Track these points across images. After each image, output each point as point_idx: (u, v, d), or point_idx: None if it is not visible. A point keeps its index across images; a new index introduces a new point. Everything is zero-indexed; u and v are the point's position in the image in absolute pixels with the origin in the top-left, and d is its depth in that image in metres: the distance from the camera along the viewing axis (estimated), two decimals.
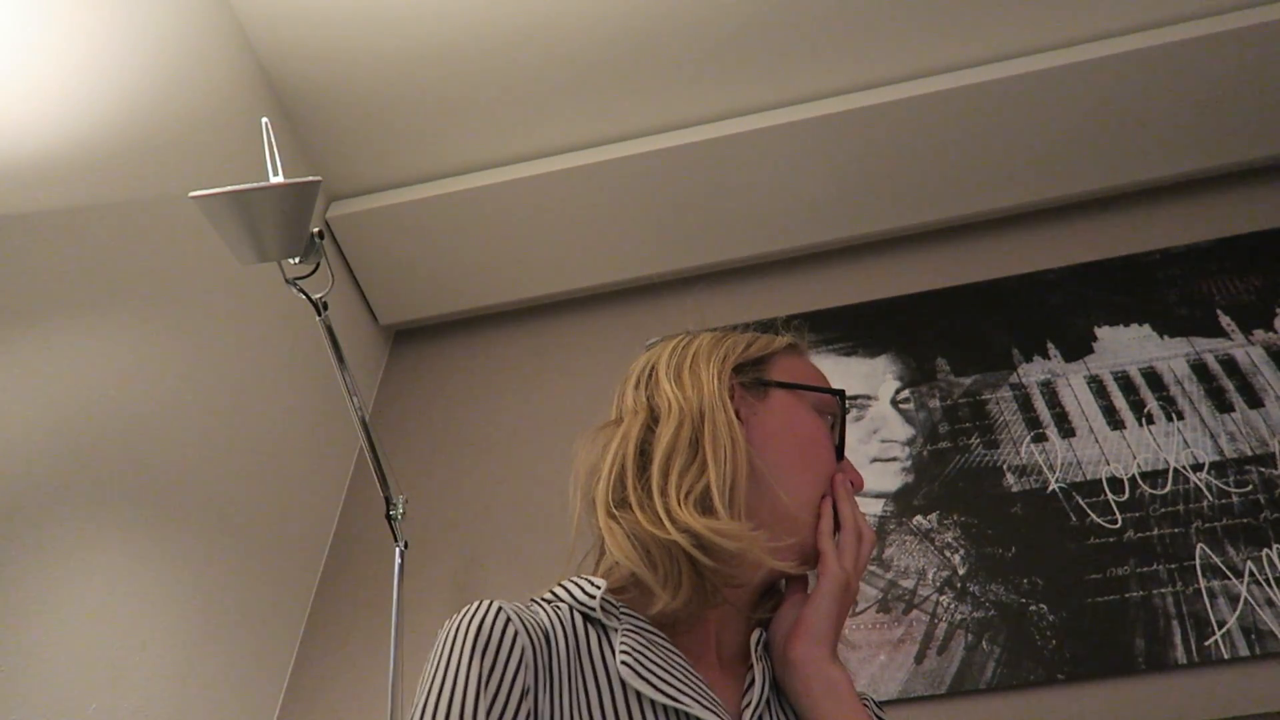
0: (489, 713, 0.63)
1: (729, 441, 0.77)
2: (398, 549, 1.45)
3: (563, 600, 0.76)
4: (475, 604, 0.69)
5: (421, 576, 1.68)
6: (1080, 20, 1.78)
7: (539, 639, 0.69)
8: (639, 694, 0.69)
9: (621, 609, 0.74)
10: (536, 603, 0.76)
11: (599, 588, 0.75)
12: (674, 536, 0.71)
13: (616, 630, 0.72)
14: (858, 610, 1.44)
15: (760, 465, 0.78)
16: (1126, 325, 1.71)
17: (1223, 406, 1.54)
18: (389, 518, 1.45)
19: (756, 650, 0.78)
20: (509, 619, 0.68)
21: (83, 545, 1.23)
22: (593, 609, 0.73)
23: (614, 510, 0.76)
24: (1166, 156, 1.86)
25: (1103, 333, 1.71)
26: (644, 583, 0.73)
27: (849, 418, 1.66)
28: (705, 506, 0.73)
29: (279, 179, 1.19)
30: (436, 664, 0.66)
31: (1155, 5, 1.77)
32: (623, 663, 0.69)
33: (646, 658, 0.70)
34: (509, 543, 1.71)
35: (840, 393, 0.87)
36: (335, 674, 1.59)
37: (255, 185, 1.16)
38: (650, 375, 0.86)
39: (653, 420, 0.81)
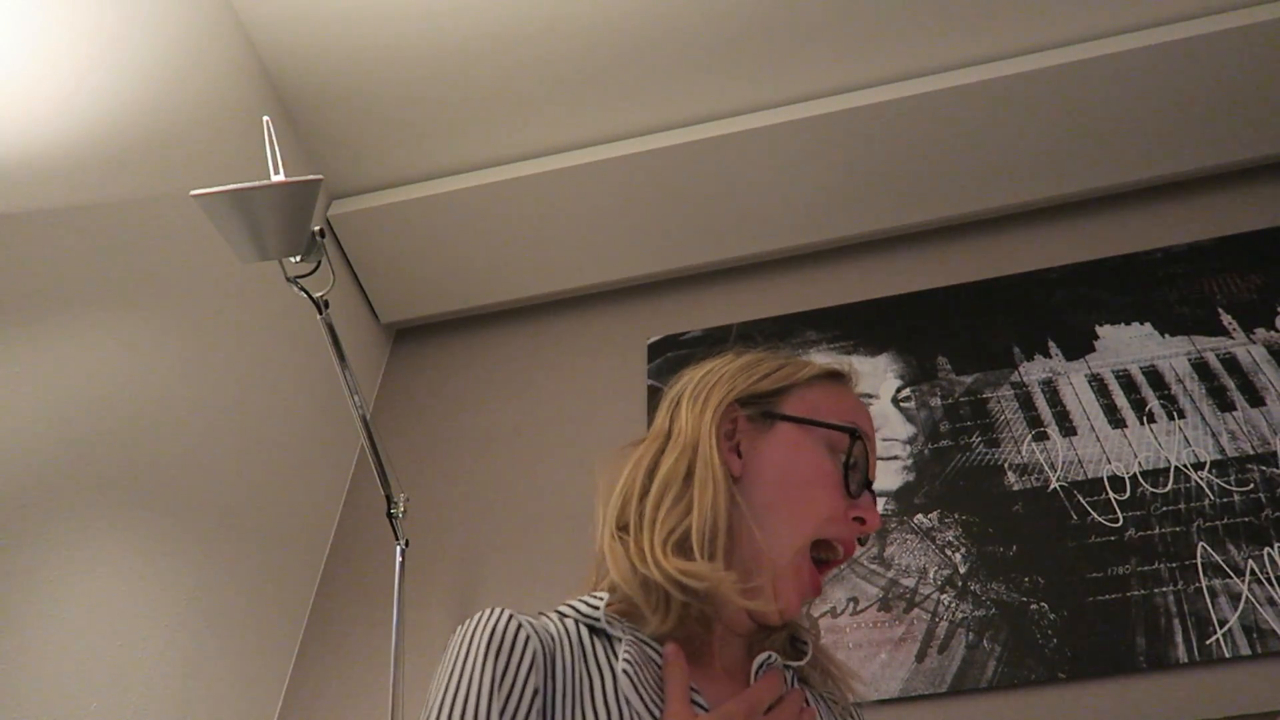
0: (502, 713, 0.65)
1: (710, 480, 0.77)
2: (398, 547, 1.45)
3: (568, 615, 0.78)
4: (488, 610, 0.71)
5: (422, 575, 1.67)
6: (1080, 19, 1.78)
7: (548, 643, 0.72)
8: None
9: (624, 624, 0.76)
10: (545, 615, 0.78)
11: (601, 599, 0.77)
12: (654, 576, 0.73)
13: (620, 640, 0.74)
14: (859, 609, 1.44)
15: (743, 503, 0.78)
16: (1128, 324, 1.71)
17: (1224, 405, 1.54)
18: (390, 516, 1.45)
19: (759, 673, 0.78)
20: (520, 624, 0.70)
21: (83, 544, 1.23)
22: (597, 619, 0.76)
23: (616, 533, 0.79)
24: (1168, 155, 1.86)
25: (1104, 331, 1.71)
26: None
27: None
28: (683, 550, 0.75)
29: (280, 177, 1.19)
30: (452, 666, 0.68)
31: (1154, 4, 1.76)
32: (624, 670, 0.71)
33: (645, 671, 0.72)
34: (510, 540, 1.71)
35: (851, 430, 0.81)
36: (335, 674, 1.59)
37: (256, 184, 1.16)
38: (678, 398, 0.86)
39: (666, 445, 0.82)
